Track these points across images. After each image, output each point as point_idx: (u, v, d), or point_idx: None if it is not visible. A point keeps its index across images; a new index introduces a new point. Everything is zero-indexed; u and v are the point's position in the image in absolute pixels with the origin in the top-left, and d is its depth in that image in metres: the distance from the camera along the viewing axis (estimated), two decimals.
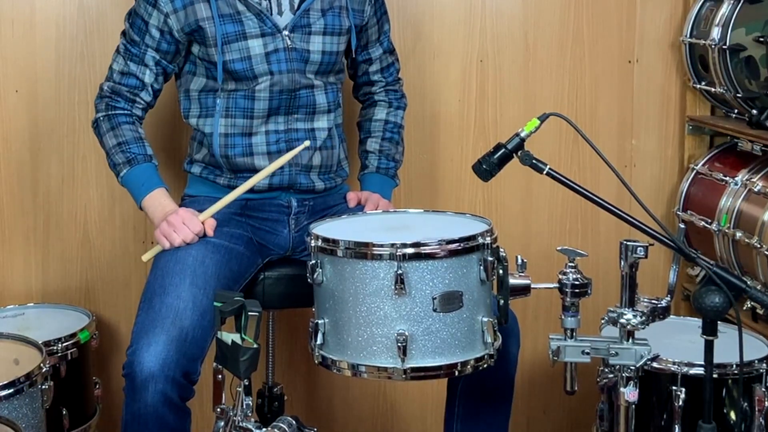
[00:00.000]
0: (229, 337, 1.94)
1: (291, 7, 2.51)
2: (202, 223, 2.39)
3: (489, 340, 2.00)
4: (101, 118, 2.54)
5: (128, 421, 2.22)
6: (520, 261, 2.07)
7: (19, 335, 2.52)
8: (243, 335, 1.91)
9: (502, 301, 2.04)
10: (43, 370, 2.35)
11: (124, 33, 2.55)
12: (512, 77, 3.20)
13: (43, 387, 2.35)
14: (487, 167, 2.09)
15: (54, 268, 3.09)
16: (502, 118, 3.19)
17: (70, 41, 3.02)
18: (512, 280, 2.03)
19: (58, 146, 3.04)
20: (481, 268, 1.98)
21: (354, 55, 2.69)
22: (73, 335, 2.70)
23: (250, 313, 1.91)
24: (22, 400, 2.26)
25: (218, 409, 2.03)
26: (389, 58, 2.79)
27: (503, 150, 2.08)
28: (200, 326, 2.23)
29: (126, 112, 2.53)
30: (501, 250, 2.02)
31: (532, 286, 2.05)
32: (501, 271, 2.02)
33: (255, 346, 1.92)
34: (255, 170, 2.50)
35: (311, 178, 2.58)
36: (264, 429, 1.99)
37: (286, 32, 2.49)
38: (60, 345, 2.65)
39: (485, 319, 1.99)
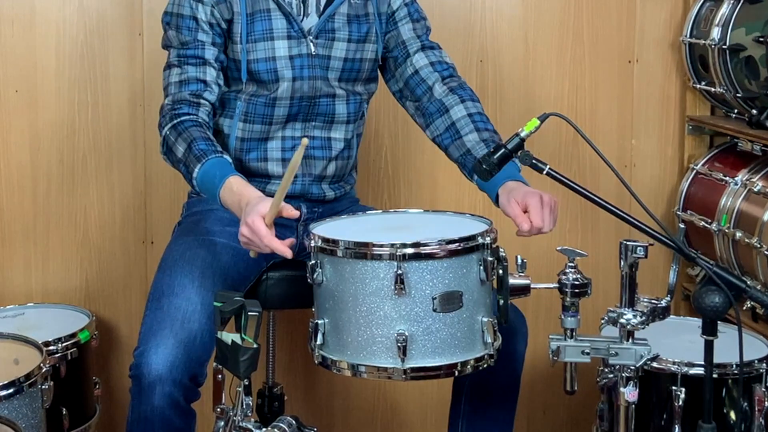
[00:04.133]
0: (229, 337, 1.94)
1: (317, 9, 2.46)
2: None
3: (489, 340, 1.99)
4: (168, 134, 2.33)
5: (134, 422, 2.22)
6: (520, 261, 2.07)
7: (19, 335, 2.51)
8: (243, 335, 1.91)
9: (501, 301, 2.04)
10: (43, 370, 2.35)
11: (168, 46, 2.44)
12: (512, 77, 3.20)
13: (43, 387, 2.35)
14: (487, 167, 2.08)
15: (54, 268, 3.09)
16: (502, 118, 3.18)
17: (70, 41, 3.02)
18: (512, 280, 2.03)
19: (58, 146, 3.04)
20: (481, 268, 1.98)
21: (396, 72, 2.57)
22: (73, 335, 2.70)
23: (250, 313, 1.91)
24: (22, 400, 2.26)
25: (218, 409, 2.03)
26: (435, 53, 2.59)
27: (503, 150, 2.07)
28: (208, 329, 2.21)
29: (191, 116, 2.35)
30: (501, 250, 2.02)
31: (532, 286, 2.05)
32: (501, 271, 2.02)
33: (255, 346, 1.92)
34: (267, 175, 2.47)
35: (322, 188, 2.55)
36: (264, 429, 1.98)
37: (311, 37, 2.44)
38: (60, 345, 2.65)
39: (485, 319, 1.99)
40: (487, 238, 1.99)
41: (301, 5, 2.45)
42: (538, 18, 3.20)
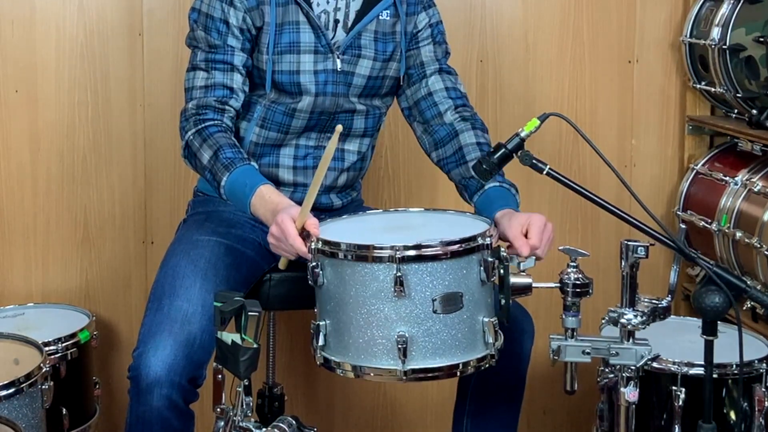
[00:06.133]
0: (229, 337, 1.94)
1: (344, 24, 2.43)
2: (303, 229, 2.09)
3: (490, 340, 1.99)
4: (191, 138, 2.31)
5: (132, 423, 2.21)
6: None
7: (19, 335, 2.52)
8: (243, 335, 1.91)
9: (503, 301, 2.03)
10: (43, 370, 2.35)
11: (194, 46, 2.41)
12: (512, 77, 3.20)
13: (43, 387, 2.35)
14: (487, 167, 2.08)
15: (54, 268, 3.09)
16: (502, 118, 3.18)
17: (70, 41, 3.02)
18: (514, 279, 2.03)
19: (58, 146, 3.04)
20: (482, 268, 1.97)
21: (413, 94, 2.53)
22: (73, 335, 2.70)
23: (250, 313, 1.91)
24: (22, 400, 2.26)
25: (218, 409, 2.02)
26: (451, 79, 2.56)
27: (503, 150, 2.07)
28: (208, 331, 2.20)
29: (216, 122, 2.33)
30: (502, 249, 2.02)
31: (534, 285, 2.05)
32: (502, 271, 2.01)
33: (255, 346, 1.92)
34: (277, 182, 2.44)
35: (330, 197, 2.54)
36: (264, 429, 1.98)
37: (338, 53, 2.41)
38: (60, 345, 2.66)
39: (486, 319, 1.99)
40: (488, 239, 1.99)
41: (330, 20, 2.43)
42: (538, 18, 3.20)
